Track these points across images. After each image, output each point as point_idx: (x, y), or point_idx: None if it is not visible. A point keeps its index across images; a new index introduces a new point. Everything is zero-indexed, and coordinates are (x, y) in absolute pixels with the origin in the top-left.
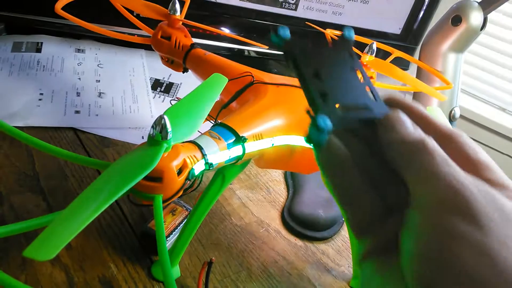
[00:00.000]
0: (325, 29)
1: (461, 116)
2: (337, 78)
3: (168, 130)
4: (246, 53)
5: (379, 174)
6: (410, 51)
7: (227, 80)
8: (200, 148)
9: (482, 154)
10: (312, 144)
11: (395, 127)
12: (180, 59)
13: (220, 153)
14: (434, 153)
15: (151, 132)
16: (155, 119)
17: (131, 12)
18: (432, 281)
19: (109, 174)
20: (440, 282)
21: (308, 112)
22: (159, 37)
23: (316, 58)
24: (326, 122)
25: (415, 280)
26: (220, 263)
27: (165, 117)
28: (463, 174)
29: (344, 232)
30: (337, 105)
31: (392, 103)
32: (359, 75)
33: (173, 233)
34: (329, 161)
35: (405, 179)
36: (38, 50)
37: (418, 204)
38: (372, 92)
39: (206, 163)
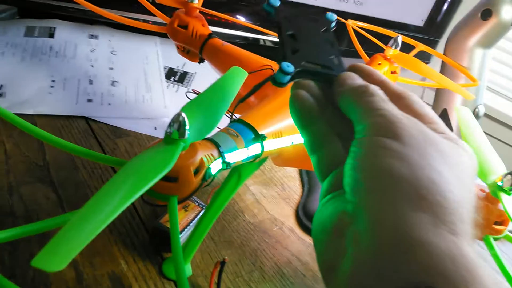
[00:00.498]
0: (346, 19)
1: (486, 115)
2: (310, 43)
3: (186, 128)
4: (261, 42)
5: (338, 124)
6: (432, 45)
7: (247, 74)
8: (218, 146)
9: (428, 110)
10: (276, 84)
11: (346, 81)
12: (197, 49)
13: (238, 151)
14: (375, 94)
15: (168, 130)
16: (168, 110)
17: None
18: (368, 183)
19: (124, 174)
20: (373, 182)
21: (279, 61)
22: (175, 25)
23: (298, 25)
24: (289, 67)
25: (355, 187)
26: (232, 262)
27: (183, 114)
28: (398, 110)
29: None
30: (303, 62)
31: (354, 68)
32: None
33: (185, 229)
34: (300, 109)
35: (352, 121)
36: (51, 35)
37: (358, 133)
38: (339, 61)
39: (224, 162)
